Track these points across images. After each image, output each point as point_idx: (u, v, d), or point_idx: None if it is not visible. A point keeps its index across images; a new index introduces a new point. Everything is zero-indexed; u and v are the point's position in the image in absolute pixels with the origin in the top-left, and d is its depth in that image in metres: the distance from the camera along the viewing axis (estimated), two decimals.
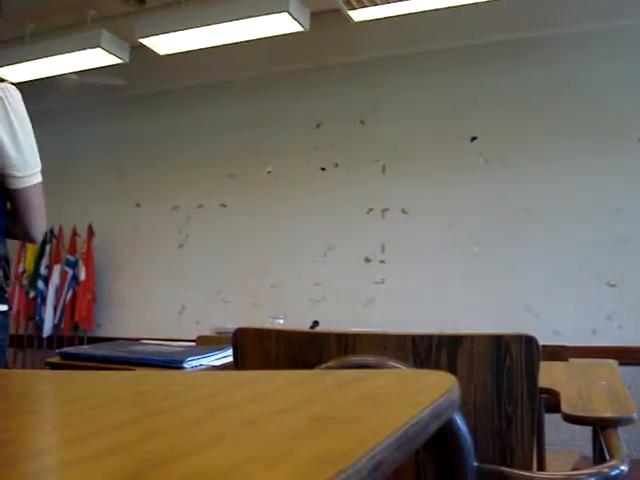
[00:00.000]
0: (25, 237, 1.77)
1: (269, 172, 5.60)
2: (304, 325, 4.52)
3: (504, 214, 4.81)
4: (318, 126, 5.48)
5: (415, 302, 4.98)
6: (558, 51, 4.79)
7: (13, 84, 1.69)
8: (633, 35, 4.62)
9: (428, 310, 4.89)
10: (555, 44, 4.80)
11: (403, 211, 5.13)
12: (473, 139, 4.95)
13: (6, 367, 1.81)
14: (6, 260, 1.69)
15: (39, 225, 1.74)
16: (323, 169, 5.42)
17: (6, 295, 1.70)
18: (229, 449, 0.34)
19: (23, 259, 6.21)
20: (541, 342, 1.06)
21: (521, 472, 0.91)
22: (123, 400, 0.55)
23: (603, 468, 0.89)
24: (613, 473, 0.88)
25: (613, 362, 1.72)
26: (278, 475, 0.28)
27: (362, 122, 5.33)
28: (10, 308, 1.72)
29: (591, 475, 0.90)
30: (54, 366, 1.57)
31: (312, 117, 5.50)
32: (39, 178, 1.69)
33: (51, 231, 6.18)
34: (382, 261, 5.15)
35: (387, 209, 5.17)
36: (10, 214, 1.73)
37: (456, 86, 5.05)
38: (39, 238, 1.79)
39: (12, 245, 5.12)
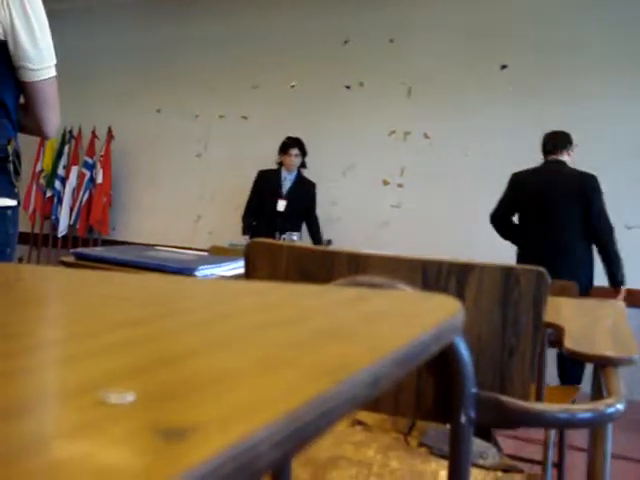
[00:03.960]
0: (38, 132, 1.76)
1: (292, 86, 5.51)
2: None
3: (530, 145, 4.73)
4: (346, 42, 5.35)
5: (431, 228, 4.97)
6: None
7: None
8: None
9: (443, 236, 4.88)
10: None
11: (425, 135, 5.06)
12: (503, 67, 4.83)
13: (20, 261, 1.84)
14: (17, 155, 1.69)
15: (52, 120, 1.73)
16: (348, 87, 5.33)
17: (16, 190, 1.70)
18: (234, 353, 0.34)
19: (41, 158, 6.22)
20: None
21: (518, 401, 0.93)
22: (132, 300, 0.55)
23: (599, 405, 0.91)
24: (608, 411, 0.89)
25: (621, 303, 1.72)
26: (276, 380, 0.28)
27: (391, 41, 5.20)
28: (19, 203, 1.73)
29: (587, 411, 0.91)
30: (67, 265, 1.59)
31: (340, 33, 5.37)
32: (53, 72, 1.68)
33: (70, 132, 6.17)
34: (400, 185, 5.13)
35: (409, 132, 5.11)
36: (24, 108, 1.72)
37: (491, 10, 4.89)
38: (52, 133, 1.78)
39: (31, 144, 5.06)
